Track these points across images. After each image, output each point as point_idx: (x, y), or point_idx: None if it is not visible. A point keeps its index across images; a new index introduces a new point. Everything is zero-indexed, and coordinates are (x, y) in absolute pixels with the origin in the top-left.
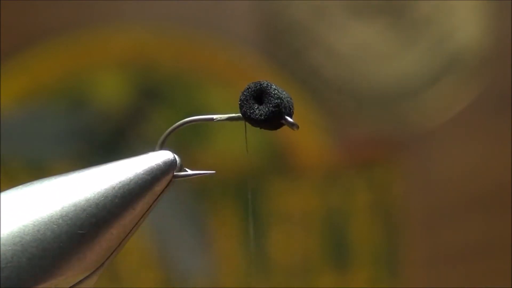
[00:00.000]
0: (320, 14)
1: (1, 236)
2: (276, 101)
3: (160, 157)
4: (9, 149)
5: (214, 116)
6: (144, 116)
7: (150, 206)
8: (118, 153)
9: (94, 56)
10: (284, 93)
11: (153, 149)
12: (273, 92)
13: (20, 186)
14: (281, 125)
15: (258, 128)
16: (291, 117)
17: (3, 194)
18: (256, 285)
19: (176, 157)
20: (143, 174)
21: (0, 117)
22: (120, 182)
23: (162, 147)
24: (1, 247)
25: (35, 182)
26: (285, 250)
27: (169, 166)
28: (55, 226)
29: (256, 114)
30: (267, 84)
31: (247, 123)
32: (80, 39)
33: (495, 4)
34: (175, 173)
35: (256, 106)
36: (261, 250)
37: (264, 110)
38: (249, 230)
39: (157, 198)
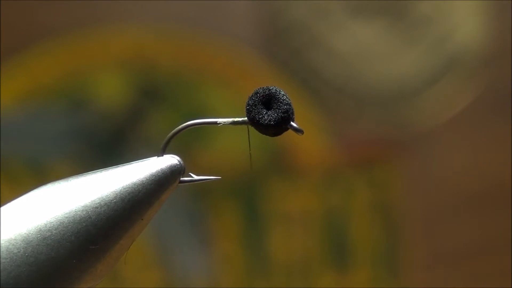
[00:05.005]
0: (320, 14)
1: (16, 257)
2: (286, 107)
3: (166, 163)
4: (9, 149)
5: (218, 120)
6: (144, 116)
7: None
8: (118, 153)
9: (94, 56)
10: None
11: (156, 152)
12: (282, 98)
13: (25, 199)
14: (283, 131)
15: (259, 132)
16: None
17: (12, 208)
18: (256, 285)
19: (181, 162)
20: (151, 184)
21: (0, 117)
22: (129, 194)
23: (165, 150)
24: (16, 268)
25: (40, 193)
26: (285, 250)
27: (175, 173)
28: (68, 243)
29: (265, 120)
30: (276, 90)
31: (250, 127)
32: (80, 39)
33: (495, 4)
34: (181, 179)
35: (264, 111)
36: (261, 250)
37: (274, 116)
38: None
39: (162, 204)
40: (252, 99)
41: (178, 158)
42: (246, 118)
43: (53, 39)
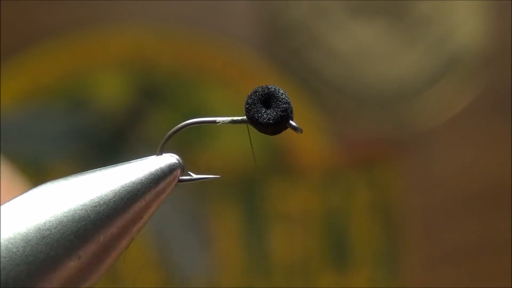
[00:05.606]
0: (320, 14)
1: (16, 256)
2: (285, 105)
3: (165, 162)
4: (9, 149)
5: (217, 119)
6: (144, 116)
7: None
8: (118, 153)
9: (94, 56)
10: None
11: (155, 151)
12: (281, 97)
13: (24, 198)
14: (282, 130)
15: (259, 131)
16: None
17: (11, 207)
18: (256, 285)
19: (180, 160)
20: (150, 183)
21: (0, 117)
22: (128, 193)
23: (163, 148)
24: (16, 267)
25: (39, 192)
26: (285, 250)
27: (174, 172)
28: (68, 242)
29: (264, 118)
30: (275, 89)
31: (249, 126)
32: (80, 39)
33: (495, 4)
34: (180, 178)
35: (263, 110)
36: (261, 250)
37: (273, 114)
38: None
39: (161, 203)
40: (251, 97)
41: (177, 157)
42: (245, 117)
43: (53, 39)
